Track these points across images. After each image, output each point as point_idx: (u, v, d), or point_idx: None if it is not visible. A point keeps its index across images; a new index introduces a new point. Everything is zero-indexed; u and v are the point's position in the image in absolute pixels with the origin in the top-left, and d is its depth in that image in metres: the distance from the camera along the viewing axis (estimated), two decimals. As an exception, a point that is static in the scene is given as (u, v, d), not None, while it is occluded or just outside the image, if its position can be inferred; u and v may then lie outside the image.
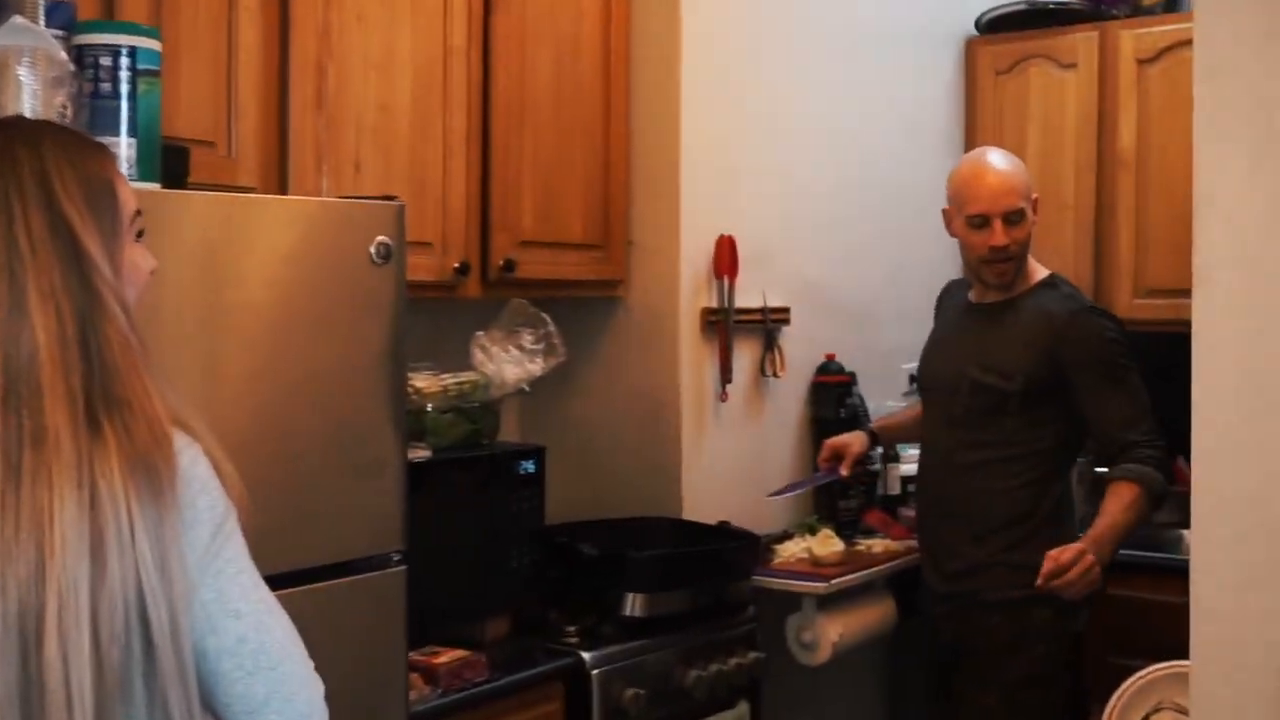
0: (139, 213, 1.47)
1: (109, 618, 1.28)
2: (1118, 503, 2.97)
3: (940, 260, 4.16)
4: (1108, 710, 2.59)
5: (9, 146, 1.37)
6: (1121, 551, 3.49)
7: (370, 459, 2.27)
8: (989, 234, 3.10)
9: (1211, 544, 1.98)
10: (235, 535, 1.43)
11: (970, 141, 4.28)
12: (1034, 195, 3.15)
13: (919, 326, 3.94)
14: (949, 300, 3.41)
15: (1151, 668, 2.56)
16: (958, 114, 4.33)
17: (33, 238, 1.32)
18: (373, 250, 2.27)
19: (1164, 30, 3.97)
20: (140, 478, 1.31)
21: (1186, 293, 3.84)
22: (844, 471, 3.44)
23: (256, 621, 1.41)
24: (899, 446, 3.79)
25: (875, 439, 3.52)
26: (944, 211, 3.23)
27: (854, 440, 3.47)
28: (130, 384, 1.34)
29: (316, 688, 1.45)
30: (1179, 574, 2.88)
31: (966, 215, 3.13)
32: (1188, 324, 4.01)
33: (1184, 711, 2.32)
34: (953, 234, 3.22)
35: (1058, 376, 3.04)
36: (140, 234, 1.48)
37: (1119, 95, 4.03)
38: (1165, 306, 3.90)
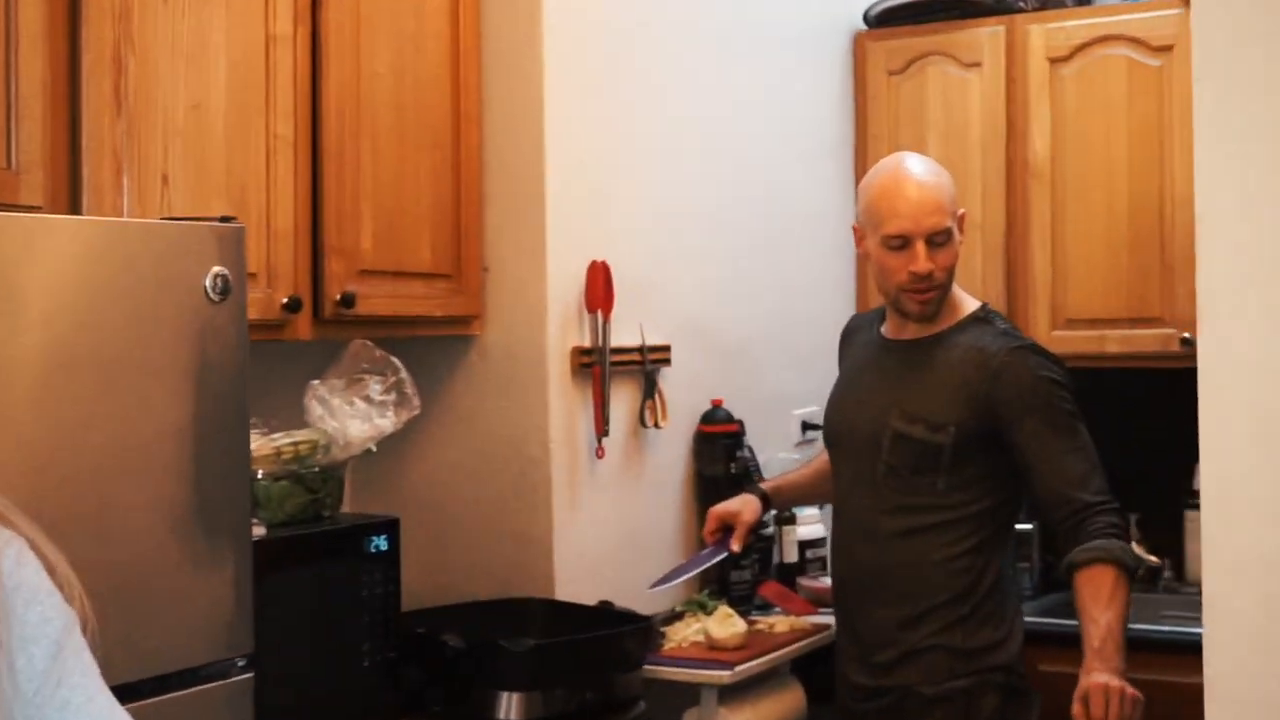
0: None
1: None
2: (1100, 599, 2.86)
3: (836, 286, 4.19)
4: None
5: None
6: (1057, 622, 3.52)
7: (210, 544, 2.17)
8: (909, 258, 3.00)
9: (1228, 615, 1.94)
10: (81, 653, 1.34)
11: (861, 152, 4.29)
12: (960, 211, 3.10)
13: (813, 365, 3.93)
14: (856, 338, 3.31)
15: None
16: (848, 120, 4.33)
17: None
18: (207, 284, 2.18)
19: (1078, 25, 4.05)
20: None
21: (1112, 323, 4.02)
22: (735, 547, 3.31)
23: None
24: (796, 508, 3.74)
25: (768, 502, 3.41)
26: (854, 229, 3.16)
27: (744, 508, 3.35)
28: None
29: None
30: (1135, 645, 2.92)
31: (883, 235, 3.02)
32: (1113, 358, 4.09)
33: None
34: (864, 255, 3.16)
35: (993, 426, 2.99)
36: None
37: (1029, 98, 4.09)
38: (1088, 339, 3.97)
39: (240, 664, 2.19)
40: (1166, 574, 4.02)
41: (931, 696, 2.98)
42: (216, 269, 2.16)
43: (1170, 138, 3.90)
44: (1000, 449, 2.99)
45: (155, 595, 2.08)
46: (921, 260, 2.99)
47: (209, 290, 2.15)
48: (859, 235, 3.14)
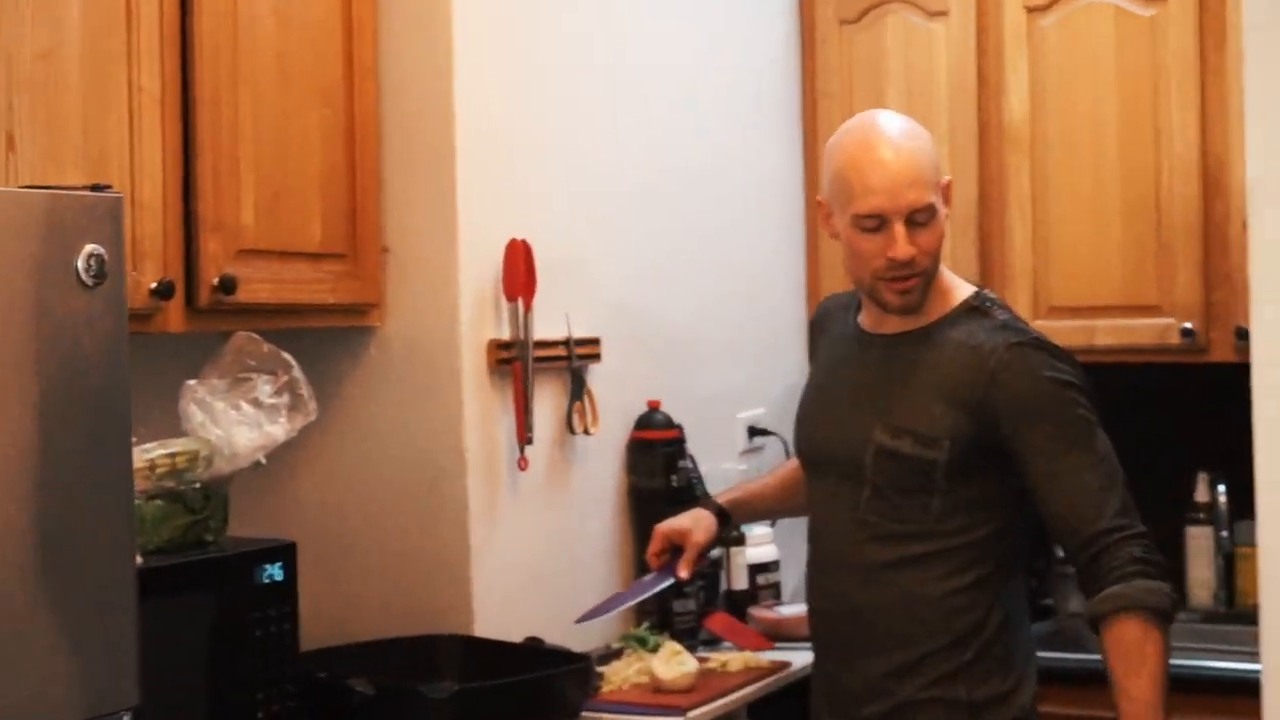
0: None
1: None
2: (1130, 662, 2.76)
3: (786, 267, 4.15)
4: None
5: None
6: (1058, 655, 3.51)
7: (88, 581, 2.09)
8: (886, 240, 2.86)
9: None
10: None
11: (809, 113, 4.29)
12: (945, 179, 2.97)
13: (761, 360, 3.89)
14: (831, 326, 3.19)
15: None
16: (795, 77, 4.30)
17: None
18: (80, 265, 2.09)
19: (1059, -32, 4.05)
20: None
21: (1102, 312, 4.02)
22: (683, 574, 3.21)
23: None
24: (745, 525, 3.68)
25: (725, 519, 3.32)
26: (818, 203, 3.05)
27: (695, 525, 3.24)
28: None
29: None
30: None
31: (854, 214, 2.86)
32: (1103, 351, 4.08)
33: None
34: (832, 235, 3.06)
35: (993, 438, 2.91)
36: None
37: (1004, 53, 4.10)
38: (1075, 330, 3.95)
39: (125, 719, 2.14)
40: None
41: None
42: (91, 247, 2.08)
43: (1165, 97, 3.93)
44: (1003, 464, 2.91)
45: (19, 642, 2.01)
46: (900, 244, 2.81)
47: (81, 273, 2.08)
48: (824, 211, 2.96)
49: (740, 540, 3.77)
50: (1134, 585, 2.74)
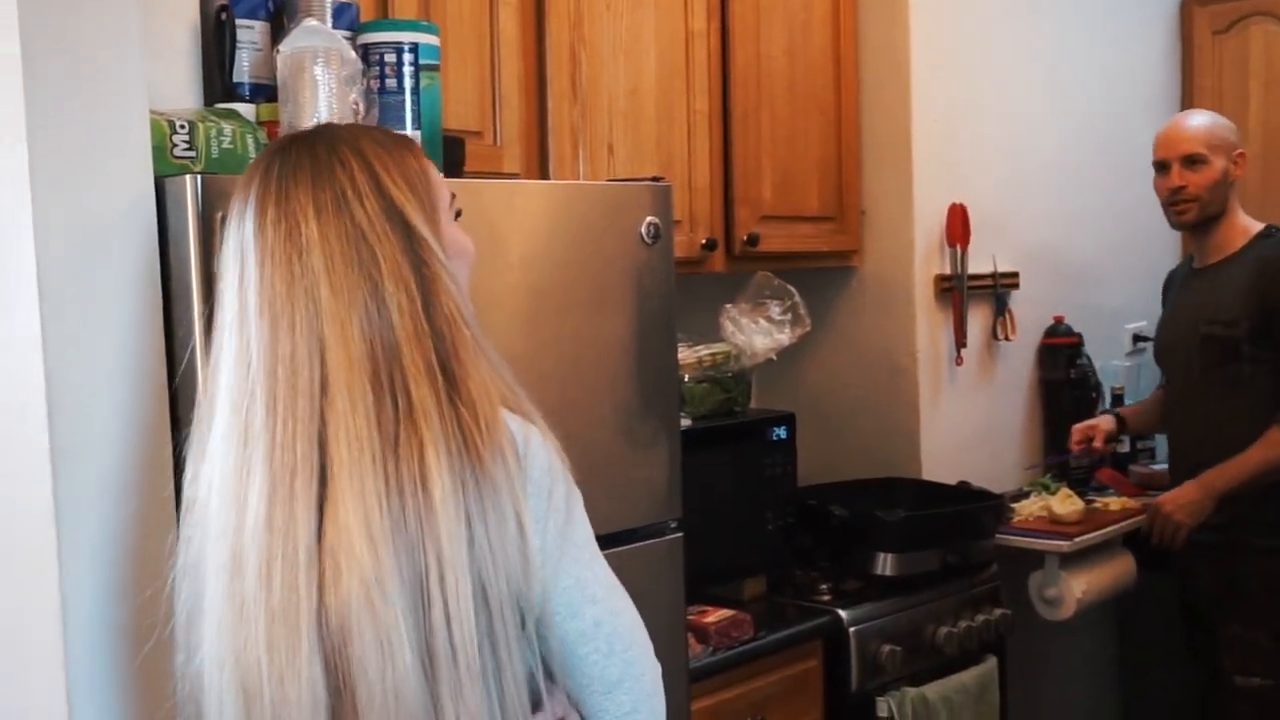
0: (454, 195, 1.40)
1: (481, 579, 1.21)
2: (1256, 449, 2.80)
3: (1161, 223, 3.90)
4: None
5: (335, 147, 1.31)
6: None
7: (648, 431, 2.17)
8: (1166, 178, 2.98)
9: None
10: (584, 521, 1.34)
11: (1188, 102, 3.99)
12: (1236, 151, 2.99)
13: (1142, 286, 3.72)
14: (1173, 285, 3.21)
15: None
16: (1174, 76, 4.04)
17: (373, 222, 1.26)
18: (643, 230, 2.17)
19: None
20: (488, 452, 1.23)
21: None
22: (1099, 446, 3.23)
23: (610, 606, 1.33)
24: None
25: (1123, 424, 3.27)
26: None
27: (1101, 420, 3.27)
28: (473, 359, 1.27)
29: (658, 669, 1.37)
30: None
31: (1153, 164, 3.05)
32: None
33: None
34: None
35: (1275, 317, 2.82)
36: (458, 214, 1.39)
37: (1347, 49, 3.70)
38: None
39: (673, 525, 2.21)
40: None
41: (1260, 548, 2.85)
42: (650, 219, 2.16)
43: None
44: None
45: (606, 471, 2.10)
46: (1174, 178, 2.95)
47: (644, 236, 2.16)
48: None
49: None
50: None
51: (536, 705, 1.29)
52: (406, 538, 1.18)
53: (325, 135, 1.33)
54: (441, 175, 1.40)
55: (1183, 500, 2.86)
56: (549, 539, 1.28)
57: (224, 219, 1.33)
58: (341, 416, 1.20)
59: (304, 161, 1.29)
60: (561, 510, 1.29)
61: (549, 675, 1.32)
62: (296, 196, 1.26)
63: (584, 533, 1.33)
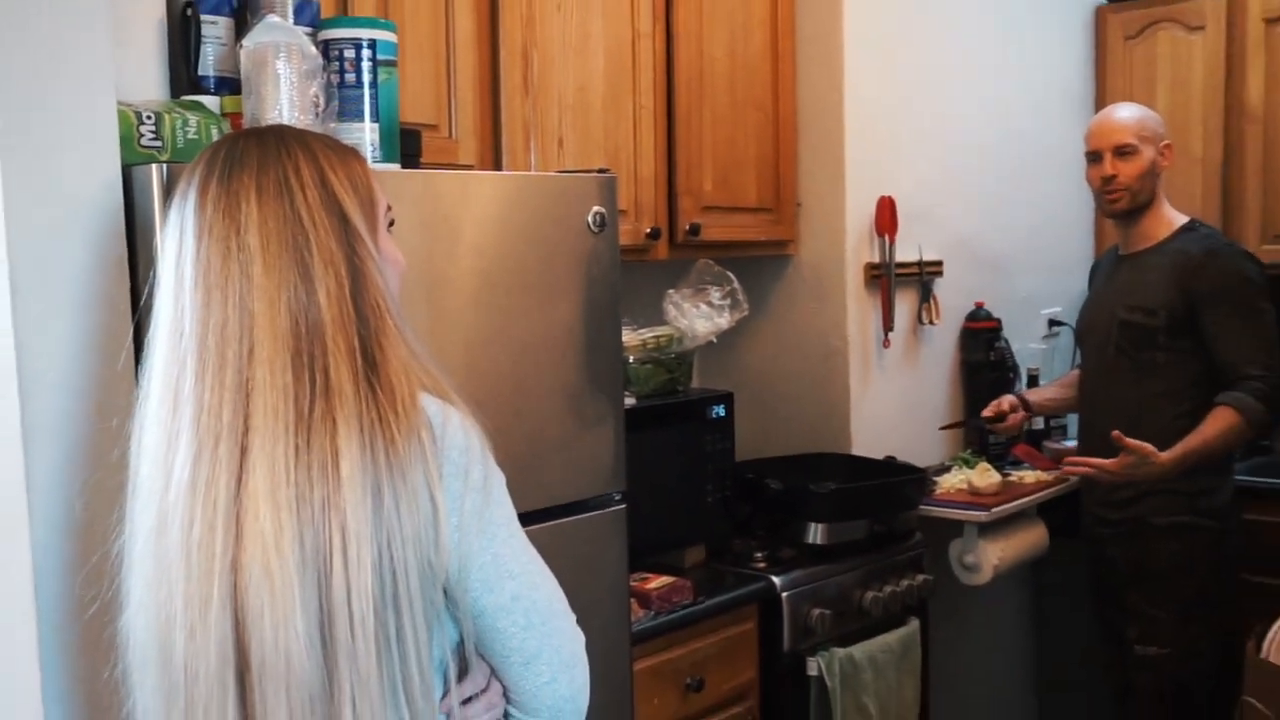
0: (389, 207, 1.38)
1: (388, 551, 1.19)
2: (1204, 428, 2.78)
3: (1076, 215, 3.97)
4: (1271, 636, 2.40)
5: (284, 140, 1.30)
6: (1263, 480, 3.30)
7: (594, 410, 2.16)
8: (1100, 167, 2.99)
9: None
10: (502, 500, 1.31)
11: (1101, 102, 4.02)
12: (1163, 142, 3.00)
13: (1058, 274, 3.76)
14: (1099, 270, 3.24)
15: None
16: (1089, 77, 4.07)
17: (312, 211, 1.25)
18: (590, 219, 2.16)
19: (1290, -9, 3.67)
20: (401, 433, 1.21)
21: None
22: (1006, 409, 3.26)
23: (528, 581, 1.31)
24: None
25: (1026, 404, 3.29)
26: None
27: (1005, 398, 3.29)
28: (394, 346, 1.25)
29: (579, 639, 1.36)
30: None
31: (1085, 154, 3.05)
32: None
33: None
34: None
35: (1193, 311, 2.83)
36: (391, 224, 1.38)
37: (1246, 53, 3.73)
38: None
39: (617, 497, 2.21)
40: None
41: (1163, 526, 2.88)
42: (596, 208, 2.15)
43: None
44: (1199, 331, 2.84)
45: (555, 447, 2.11)
46: (1106, 167, 2.96)
47: (591, 224, 2.15)
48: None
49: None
50: (1245, 398, 2.77)
51: (463, 676, 1.29)
52: (310, 508, 1.17)
53: (276, 131, 1.32)
54: (382, 189, 1.37)
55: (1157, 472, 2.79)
56: (466, 517, 1.25)
57: (168, 198, 1.30)
58: (261, 387, 1.19)
59: (252, 149, 1.27)
60: (479, 489, 1.27)
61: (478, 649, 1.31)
62: (240, 178, 1.25)
63: (503, 511, 1.30)
